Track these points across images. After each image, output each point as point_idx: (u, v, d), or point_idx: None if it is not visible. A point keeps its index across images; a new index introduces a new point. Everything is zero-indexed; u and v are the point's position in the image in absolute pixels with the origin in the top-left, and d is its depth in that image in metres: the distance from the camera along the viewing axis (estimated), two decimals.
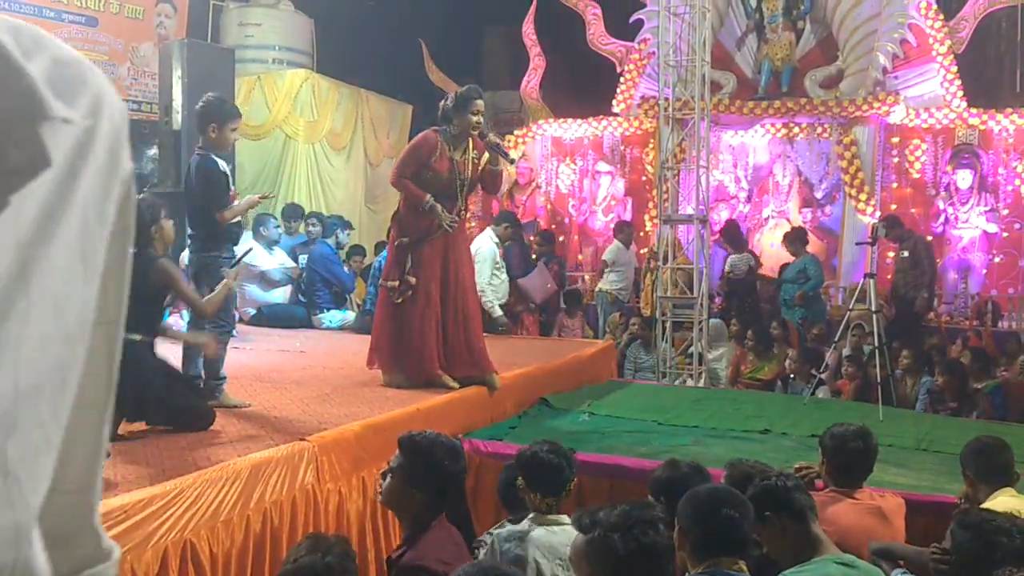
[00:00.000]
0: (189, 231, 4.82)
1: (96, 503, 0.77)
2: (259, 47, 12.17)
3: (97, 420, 0.75)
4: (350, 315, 8.35)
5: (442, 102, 5.39)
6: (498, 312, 8.69)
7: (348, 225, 8.93)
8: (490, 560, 3.00)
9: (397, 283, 5.19)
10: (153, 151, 9.71)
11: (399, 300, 5.19)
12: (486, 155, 5.34)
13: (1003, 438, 3.85)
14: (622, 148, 12.67)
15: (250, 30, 12.13)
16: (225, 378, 4.63)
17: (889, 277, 9.72)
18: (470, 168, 5.33)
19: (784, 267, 9.95)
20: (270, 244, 8.40)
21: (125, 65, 11.30)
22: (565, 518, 3.16)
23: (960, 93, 11.03)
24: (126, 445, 3.59)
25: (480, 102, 5.23)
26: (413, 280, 5.16)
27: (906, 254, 9.22)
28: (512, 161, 6.24)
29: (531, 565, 3.02)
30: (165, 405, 3.80)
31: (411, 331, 5.18)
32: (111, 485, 3.03)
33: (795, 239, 9.81)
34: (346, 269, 8.76)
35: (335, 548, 2.52)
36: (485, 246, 8.51)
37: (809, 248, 11.56)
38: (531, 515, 3.24)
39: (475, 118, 5.18)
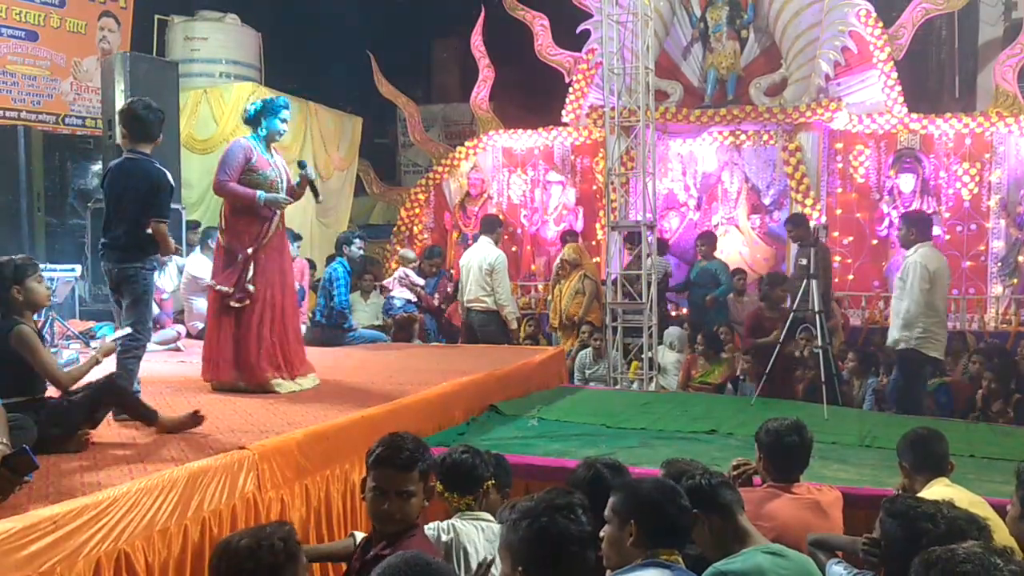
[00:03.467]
0: (104, 240, 4.64)
1: None
2: (206, 61, 12.08)
3: None
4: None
5: (251, 107, 5.52)
6: (514, 325, 8.75)
7: (296, 237, 8.87)
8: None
9: (232, 290, 5.24)
10: (97, 166, 9.59)
11: (237, 305, 5.24)
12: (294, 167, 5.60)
13: (938, 430, 3.92)
14: (572, 158, 12.75)
15: (196, 44, 12.04)
16: (139, 391, 4.56)
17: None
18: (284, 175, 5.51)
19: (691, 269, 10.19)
20: None
21: (68, 80, 11.15)
22: (488, 515, 3.26)
23: (901, 99, 11.27)
24: (58, 457, 3.52)
25: (288, 111, 5.52)
26: (252, 288, 5.24)
27: (804, 262, 9.34)
28: (319, 202, 6.40)
29: (459, 552, 3.08)
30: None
31: (251, 335, 5.24)
32: (42, 496, 2.97)
33: (705, 242, 10.07)
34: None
35: (277, 531, 2.45)
36: (495, 255, 8.58)
37: (759, 254, 11.82)
38: (457, 514, 3.28)
39: (283, 125, 5.48)
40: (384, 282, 9.47)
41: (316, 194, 5.67)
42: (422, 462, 2.86)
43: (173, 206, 8.98)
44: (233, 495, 3.48)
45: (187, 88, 11.17)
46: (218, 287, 5.28)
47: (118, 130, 5.07)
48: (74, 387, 3.90)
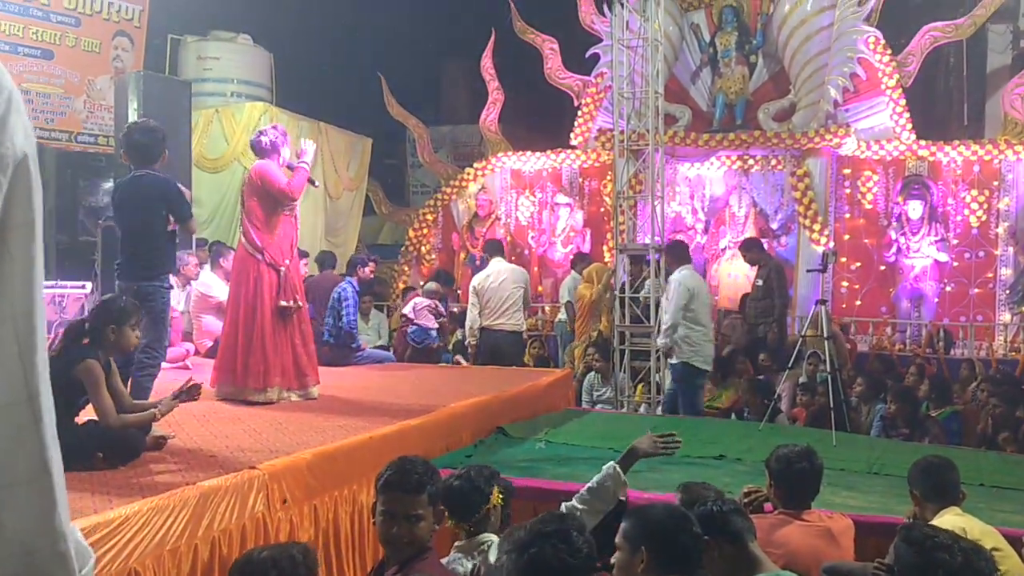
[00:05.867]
0: (120, 258, 4.72)
1: (53, 504, 0.75)
2: (218, 80, 12.19)
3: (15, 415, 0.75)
4: None
5: (264, 139, 5.76)
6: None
7: (303, 254, 8.89)
8: None
9: (293, 304, 5.53)
10: (108, 184, 9.63)
11: (291, 315, 5.52)
12: None
13: (950, 459, 3.91)
14: (580, 180, 12.80)
15: (208, 63, 12.15)
16: None
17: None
18: None
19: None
20: (228, 276, 8.33)
21: (81, 98, 11.24)
22: (491, 536, 3.20)
23: (909, 125, 11.30)
24: (69, 473, 3.52)
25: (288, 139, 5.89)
26: (300, 303, 5.61)
27: (760, 282, 9.44)
28: (316, 186, 6.71)
29: None
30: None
31: (288, 347, 5.52)
32: None
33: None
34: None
35: (297, 546, 2.48)
36: (523, 271, 8.82)
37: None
38: (456, 544, 3.26)
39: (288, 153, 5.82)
40: (405, 310, 9.44)
41: (312, 182, 5.98)
42: (431, 485, 2.87)
43: None
44: (243, 515, 3.48)
45: (199, 107, 11.26)
46: (283, 303, 5.48)
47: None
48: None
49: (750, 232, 11.95)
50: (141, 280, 4.58)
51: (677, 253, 7.97)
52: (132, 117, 8.17)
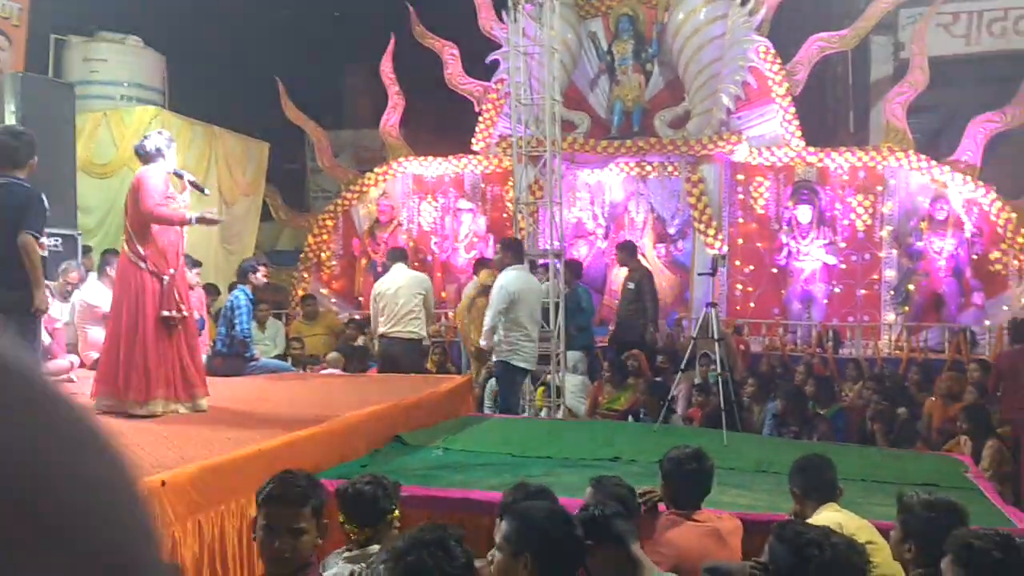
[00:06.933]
0: None
1: None
2: (106, 83, 11.77)
3: None
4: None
5: (147, 143, 5.58)
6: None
7: (196, 263, 8.65)
8: None
9: (177, 314, 5.35)
10: None
11: (175, 325, 5.36)
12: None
13: (828, 456, 4.04)
14: (483, 186, 12.83)
15: (95, 65, 11.73)
16: None
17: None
18: None
19: None
20: None
21: None
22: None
23: (799, 133, 11.68)
24: None
25: (174, 144, 5.68)
26: (185, 312, 5.44)
27: (632, 286, 9.75)
28: (207, 194, 6.66)
29: None
30: None
31: (174, 358, 5.36)
32: None
33: (567, 271, 10.18)
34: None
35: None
36: (425, 276, 8.83)
37: (665, 282, 12.05)
38: (346, 556, 3.22)
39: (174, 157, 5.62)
40: None
41: (201, 189, 5.93)
42: (314, 498, 2.81)
43: (68, 232, 8.75)
44: None
45: (85, 111, 10.85)
46: (165, 313, 5.30)
47: None
48: None
49: (648, 237, 12.20)
50: (10, 288, 4.37)
51: (513, 250, 8.01)
52: (10, 120, 7.85)
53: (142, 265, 5.32)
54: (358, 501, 3.30)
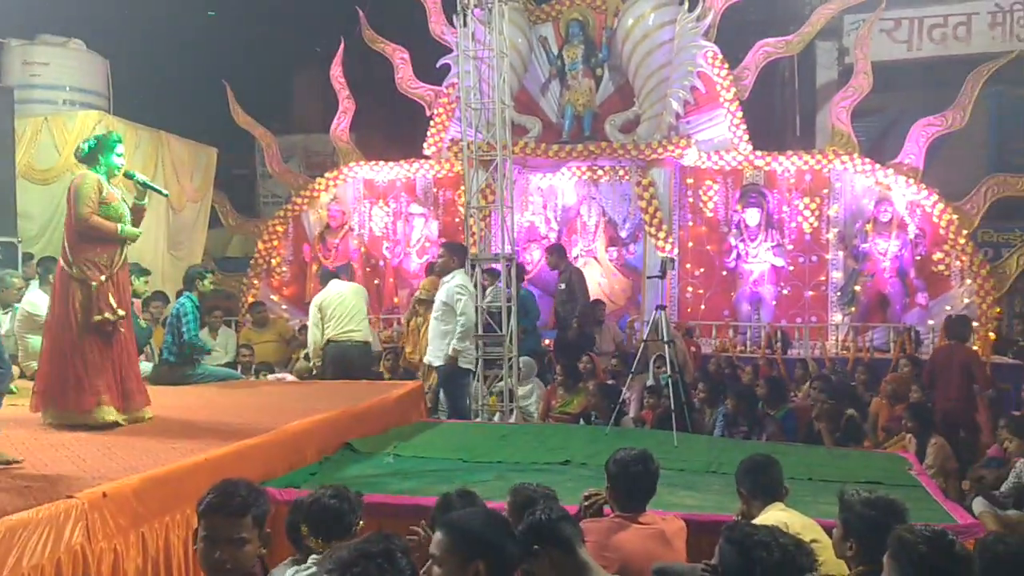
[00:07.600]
0: None
1: None
2: (47, 87, 11.50)
3: None
4: (146, 365, 7.91)
5: (84, 145, 5.48)
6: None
7: (144, 272, 8.50)
8: None
9: (106, 316, 5.23)
10: None
11: (111, 331, 5.26)
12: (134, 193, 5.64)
13: (775, 456, 4.08)
14: (435, 190, 12.79)
15: (36, 69, 11.45)
16: None
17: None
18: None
19: None
20: None
21: None
22: None
23: (746, 137, 11.82)
24: None
25: (122, 146, 5.53)
26: (123, 313, 5.34)
27: (563, 286, 9.93)
28: (166, 195, 6.67)
29: None
30: None
31: (113, 365, 5.28)
32: None
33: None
34: (141, 319, 8.30)
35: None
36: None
37: (617, 285, 12.13)
38: (314, 558, 3.18)
39: (120, 159, 5.46)
40: None
41: (156, 190, 5.85)
42: (255, 507, 2.78)
43: (7, 239, 8.55)
44: (58, 548, 3.27)
45: (26, 115, 10.60)
46: (97, 317, 5.21)
47: None
48: None
49: (600, 241, 12.26)
50: None
51: (459, 254, 8.07)
52: None
53: (72, 271, 5.24)
54: (323, 516, 3.26)
